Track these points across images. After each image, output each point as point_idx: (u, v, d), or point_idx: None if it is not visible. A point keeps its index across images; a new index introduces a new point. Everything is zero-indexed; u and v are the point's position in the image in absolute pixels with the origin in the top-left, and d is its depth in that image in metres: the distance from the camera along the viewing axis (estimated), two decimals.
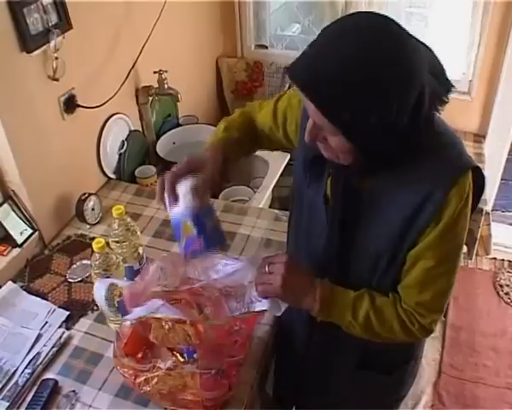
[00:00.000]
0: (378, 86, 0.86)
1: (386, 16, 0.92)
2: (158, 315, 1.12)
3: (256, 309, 1.18)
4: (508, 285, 3.03)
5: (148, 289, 1.20)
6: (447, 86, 0.97)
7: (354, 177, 1.06)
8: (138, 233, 1.48)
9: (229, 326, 1.22)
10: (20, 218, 1.69)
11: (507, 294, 2.99)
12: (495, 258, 3.16)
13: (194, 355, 1.17)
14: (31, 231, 1.71)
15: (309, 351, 1.42)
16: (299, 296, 1.13)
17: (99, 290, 1.33)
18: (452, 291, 1.10)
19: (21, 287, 1.60)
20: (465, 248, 2.45)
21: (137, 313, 1.14)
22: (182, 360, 1.21)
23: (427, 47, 0.97)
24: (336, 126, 0.92)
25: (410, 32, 0.94)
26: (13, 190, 1.68)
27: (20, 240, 1.67)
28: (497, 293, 3.01)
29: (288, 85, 2.95)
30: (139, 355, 1.22)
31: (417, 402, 2.46)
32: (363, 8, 2.65)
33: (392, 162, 1.00)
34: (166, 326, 1.14)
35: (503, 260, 3.18)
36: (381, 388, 1.38)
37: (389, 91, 0.87)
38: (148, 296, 1.18)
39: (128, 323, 1.20)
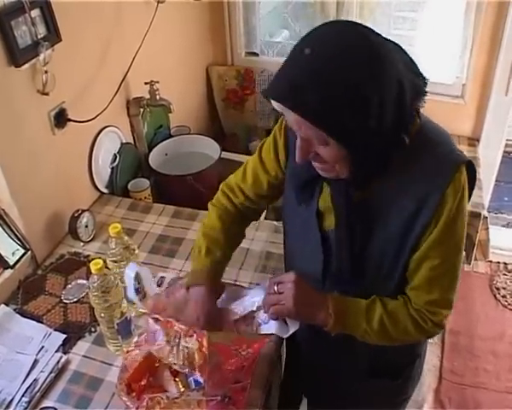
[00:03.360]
0: (356, 84, 0.87)
1: (352, 21, 0.95)
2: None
3: (263, 332, 1.15)
4: (504, 288, 3.02)
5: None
6: (424, 80, 0.99)
7: (352, 188, 1.05)
8: (136, 251, 1.43)
9: (235, 348, 1.18)
10: (12, 238, 1.63)
11: (504, 297, 2.97)
12: (490, 261, 3.15)
13: (201, 382, 1.13)
14: (23, 251, 1.65)
15: (318, 364, 1.41)
16: (312, 313, 1.11)
17: (129, 276, 1.35)
18: (458, 284, 1.12)
19: (15, 310, 1.54)
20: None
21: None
22: (182, 389, 1.18)
23: (396, 45, 0.98)
24: (323, 131, 0.91)
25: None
26: (3, 209, 1.61)
27: (11, 261, 1.61)
28: (494, 296, 2.99)
29: None
30: (142, 383, 1.18)
31: None
32: (355, 12, 2.63)
33: (386, 165, 1.00)
34: (172, 344, 1.14)
35: (498, 262, 3.17)
36: (389, 391, 1.39)
37: (367, 87, 0.87)
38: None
39: (136, 353, 1.18)
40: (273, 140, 1.26)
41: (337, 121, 0.89)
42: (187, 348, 1.13)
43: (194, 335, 1.13)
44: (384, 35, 0.97)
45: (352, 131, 0.90)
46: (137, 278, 1.34)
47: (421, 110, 1.03)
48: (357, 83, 0.87)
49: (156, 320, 1.20)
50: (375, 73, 0.88)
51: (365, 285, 1.14)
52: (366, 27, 0.94)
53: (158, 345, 1.16)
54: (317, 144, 0.96)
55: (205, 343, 1.11)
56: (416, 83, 0.96)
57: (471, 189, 1.08)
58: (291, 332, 1.13)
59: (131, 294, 1.35)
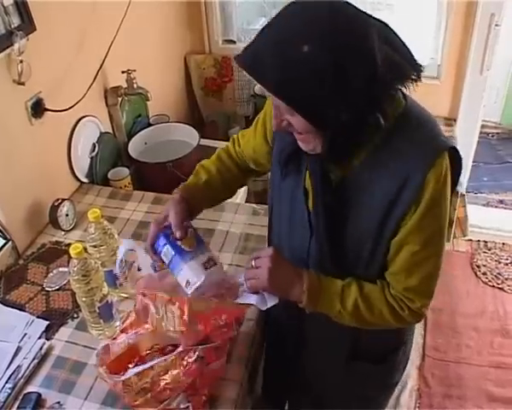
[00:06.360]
0: (319, 54, 0.86)
1: None
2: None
3: (242, 301, 1.17)
4: (484, 265, 3.08)
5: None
6: (414, 65, 0.96)
7: (330, 166, 1.05)
8: (116, 236, 1.44)
9: (214, 318, 1.19)
10: None
11: (484, 274, 3.03)
12: (471, 239, 3.20)
13: None
14: (3, 241, 1.65)
15: (300, 346, 1.41)
16: (286, 288, 1.12)
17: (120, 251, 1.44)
18: (440, 273, 1.09)
19: None
20: None
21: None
22: None
23: (386, 25, 0.97)
24: (282, 100, 0.92)
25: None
26: None
27: None
28: (475, 274, 3.04)
29: None
30: (130, 366, 1.19)
31: (403, 387, 2.47)
32: None
33: (360, 144, 0.99)
34: (161, 312, 1.16)
35: (478, 241, 3.22)
36: (374, 377, 1.38)
37: (333, 58, 0.86)
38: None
39: (120, 341, 1.21)
40: (264, 113, 1.29)
41: (296, 93, 0.89)
42: (171, 313, 1.15)
43: (177, 303, 1.14)
44: None
45: (313, 104, 0.90)
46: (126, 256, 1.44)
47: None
48: (321, 55, 0.86)
49: (144, 295, 1.21)
50: (340, 44, 0.87)
51: (346, 270, 1.13)
52: (348, 4, 0.93)
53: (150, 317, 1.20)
54: (285, 113, 0.97)
55: (186, 311, 1.12)
56: (399, 63, 0.93)
57: (457, 175, 1.06)
58: (269, 305, 1.14)
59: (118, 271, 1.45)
